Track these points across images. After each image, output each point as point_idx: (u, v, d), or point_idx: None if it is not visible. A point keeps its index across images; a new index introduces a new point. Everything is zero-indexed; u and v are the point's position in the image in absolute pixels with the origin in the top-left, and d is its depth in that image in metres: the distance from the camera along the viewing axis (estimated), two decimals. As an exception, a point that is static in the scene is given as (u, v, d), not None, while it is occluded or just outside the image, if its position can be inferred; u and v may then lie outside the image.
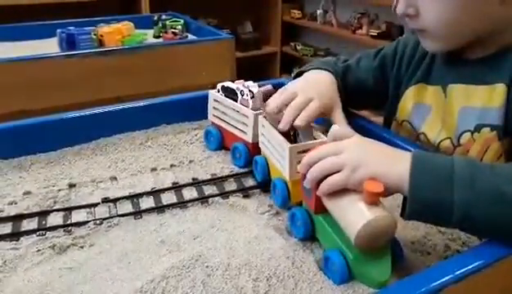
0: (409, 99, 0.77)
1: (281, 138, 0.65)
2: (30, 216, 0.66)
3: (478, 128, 0.66)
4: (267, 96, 0.74)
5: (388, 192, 0.51)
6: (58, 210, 0.67)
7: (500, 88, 0.64)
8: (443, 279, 0.44)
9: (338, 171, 0.52)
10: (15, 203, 0.69)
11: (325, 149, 0.55)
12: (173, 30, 1.81)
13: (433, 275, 0.45)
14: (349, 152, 0.53)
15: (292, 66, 3.58)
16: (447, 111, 0.70)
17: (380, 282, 0.51)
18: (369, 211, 0.50)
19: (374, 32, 2.79)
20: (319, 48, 3.39)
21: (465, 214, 0.47)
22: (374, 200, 0.51)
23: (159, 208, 0.67)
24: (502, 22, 0.64)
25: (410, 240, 0.60)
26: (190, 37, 1.83)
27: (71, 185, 0.73)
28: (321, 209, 0.57)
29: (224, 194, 0.71)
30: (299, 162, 0.58)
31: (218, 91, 0.83)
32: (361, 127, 0.76)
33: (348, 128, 0.66)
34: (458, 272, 0.45)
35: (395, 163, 0.51)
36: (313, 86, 0.72)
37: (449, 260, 0.52)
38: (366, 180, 0.51)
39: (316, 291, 0.52)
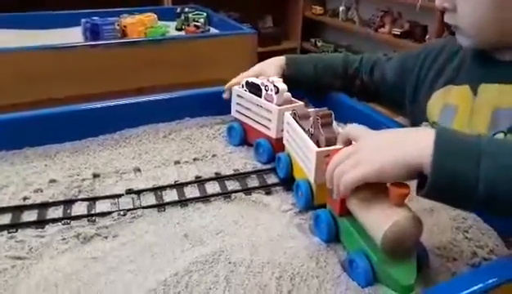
0: (437, 100, 0.76)
1: (309, 141, 0.65)
2: (55, 204, 0.67)
3: (511, 130, 0.65)
4: (323, 120, 0.65)
5: (408, 175, 0.48)
6: (83, 199, 0.67)
7: None
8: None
9: None
10: (41, 191, 0.69)
11: (342, 151, 0.54)
12: (196, 23, 1.81)
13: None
14: (364, 148, 0.52)
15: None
16: (477, 110, 0.70)
17: (405, 287, 0.50)
18: (395, 212, 0.50)
19: (397, 31, 2.76)
20: (340, 45, 3.36)
21: (490, 189, 0.45)
22: (400, 202, 0.50)
23: (183, 202, 0.68)
24: None
25: (436, 246, 0.58)
26: (213, 30, 1.83)
27: (95, 175, 0.73)
28: (345, 211, 0.56)
29: (247, 190, 0.71)
30: (326, 164, 0.57)
31: (242, 87, 0.83)
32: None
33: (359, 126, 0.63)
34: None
35: (417, 140, 0.49)
36: None
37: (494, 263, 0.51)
38: (385, 166, 0.49)
39: (340, 292, 0.52)
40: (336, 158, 0.54)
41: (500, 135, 0.67)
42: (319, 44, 3.42)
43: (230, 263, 0.55)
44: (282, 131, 0.75)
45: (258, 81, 0.79)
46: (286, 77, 0.88)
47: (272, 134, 0.77)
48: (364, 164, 0.50)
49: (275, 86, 0.76)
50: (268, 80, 0.78)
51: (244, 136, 0.84)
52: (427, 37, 2.62)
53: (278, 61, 0.94)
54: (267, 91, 0.78)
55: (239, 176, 0.74)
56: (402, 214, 0.49)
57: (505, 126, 0.66)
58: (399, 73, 0.88)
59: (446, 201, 0.50)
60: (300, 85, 0.90)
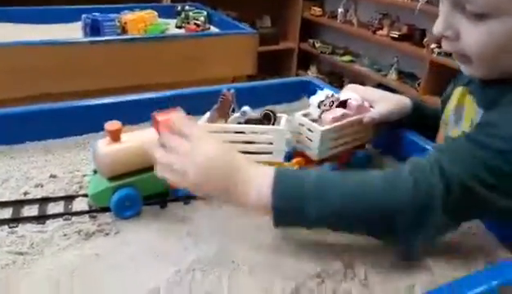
0: (453, 100, 0.75)
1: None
2: (56, 199, 0.66)
3: None
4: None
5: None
6: (84, 195, 0.67)
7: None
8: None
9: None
10: (42, 186, 0.69)
11: (178, 144, 0.57)
12: (196, 21, 1.81)
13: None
14: (194, 168, 0.55)
15: (309, 63, 3.57)
16: (467, 117, 0.69)
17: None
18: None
19: (395, 33, 2.76)
20: (337, 46, 3.37)
21: (319, 224, 0.55)
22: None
23: (185, 199, 0.67)
24: None
25: (437, 249, 0.59)
26: (213, 29, 1.83)
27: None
28: None
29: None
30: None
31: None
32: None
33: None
34: None
35: (247, 191, 0.55)
36: None
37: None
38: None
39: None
40: (169, 140, 0.58)
41: None
42: (317, 45, 3.43)
43: (233, 262, 0.55)
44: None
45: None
46: None
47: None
48: (184, 178, 0.55)
49: None
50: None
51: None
52: (425, 40, 2.62)
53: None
54: None
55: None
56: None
57: None
58: None
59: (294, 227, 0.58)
60: None
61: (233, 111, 0.70)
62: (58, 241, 0.58)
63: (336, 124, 0.71)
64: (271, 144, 0.68)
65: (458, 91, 0.74)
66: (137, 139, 0.63)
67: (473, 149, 0.54)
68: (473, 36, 0.58)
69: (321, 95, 0.73)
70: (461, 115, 0.70)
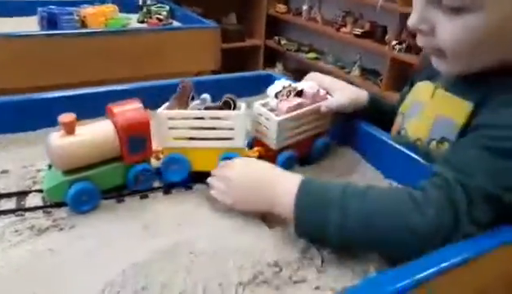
0: (413, 94, 0.76)
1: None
2: (8, 195, 0.64)
3: (442, 140, 0.65)
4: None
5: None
6: (37, 191, 0.65)
7: (469, 107, 0.62)
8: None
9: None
10: (-7, 182, 0.67)
11: (221, 171, 0.65)
12: (158, 16, 1.79)
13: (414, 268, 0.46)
14: (234, 184, 0.62)
15: (275, 60, 3.58)
16: (429, 113, 0.69)
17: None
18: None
19: (357, 31, 2.81)
20: (303, 43, 3.40)
21: (339, 235, 0.54)
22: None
23: (142, 192, 0.66)
24: None
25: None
26: (175, 24, 1.81)
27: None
28: None
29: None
30: None
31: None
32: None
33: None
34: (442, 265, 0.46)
35: (281, 194, 0.58)
36: None
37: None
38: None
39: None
40: (217, 172, 0.66)
41: (434, 143, 0.66)
42: (283, 42, 3.45)
43: (191, 253, 0.55)
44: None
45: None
46: None
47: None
48: (229, 199, 0.63)
49: None
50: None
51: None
52: (386, 37, 2.68)
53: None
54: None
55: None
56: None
57: (439, 135, 0.66)
58: None
59: (315, 242, 0.57)
60: None
61: (192, 99, 0.70)
62: (9, 237, 0.56)
63: (293, 113, 0.72)
64: (232, 129, 0.68)
65: (420, 85, 0.75)
66: (93, 131, 0.62)
67: (486, 156, 0.54)
68: (448, 30, 0.57)
69: (277, 85, 0.74)
70: (421, 108, 0.71)
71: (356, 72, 2.91)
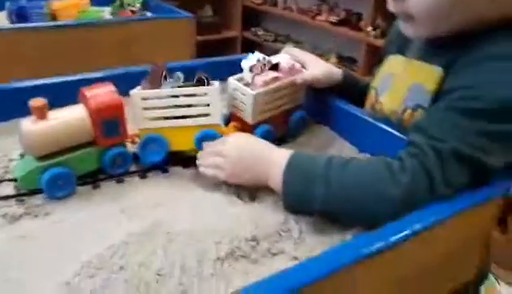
0: (384, 67, 0.77)
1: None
2: None
3: (416, 108, 0.66)
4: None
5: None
6: (10, 180, 0.64)
7: (438, 71, 0.63)
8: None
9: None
10: (-37, 173, 0.65)
11: (215, 146, 0.66)
12: (132, 8, 1.76)
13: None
14: (229, 158, 0.63)
15: (253, 51, 3.57)
16: (401, 84, 0.70)
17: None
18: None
19: (333, 18, 2.83)
20: (279, 34, 3.40)
21: (324, 207, 0.56)
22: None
23: (118, 177, 0.66)
24: (490, 19, 0.59)
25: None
26: (149, 15, 1.79)
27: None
28: None
29: (186, 165, 0.70)
30: None
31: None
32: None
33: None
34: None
35: (270, 166, 0.61)
36: None
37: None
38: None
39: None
40: (209, 148, 0.66)
41: (409, 112, 0.67)
42: (260, 33, 3.45)
43: (168, 233, 0.54)
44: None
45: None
46: None
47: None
48: (223, 172, 0.63)
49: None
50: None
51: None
52: (361, 23, 2.70)
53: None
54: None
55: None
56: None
57: (413, 103, 0.66)
58: None
59: (301, 211, 0.59)
60: None
61: (165, 79, 0.69)
62: (-18, 226, 0.55)
63: (268, 87, 0.72)
64: (208, 105, 0.68)
65: (390, 58, 0.76)
66: (65, 115, 0.61)
67: (456, 118, 0.55)
68: None
69: (252, 59, 0.73)
70: (394, 80, 0.72)
71: (333, 59, 2.92)
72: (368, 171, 0.56)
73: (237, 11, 3.46)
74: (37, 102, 0.58)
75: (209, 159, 0.65)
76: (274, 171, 0.60)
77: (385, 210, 0.53)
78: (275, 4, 3.31)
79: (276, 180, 0.60)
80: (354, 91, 0.83)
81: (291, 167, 0.59)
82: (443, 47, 0.64)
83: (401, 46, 0.73)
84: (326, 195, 0.56)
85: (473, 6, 0.59)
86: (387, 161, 0.56)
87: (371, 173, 0.56)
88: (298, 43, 3.25)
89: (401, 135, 0.66)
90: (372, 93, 0.77)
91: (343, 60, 2.91)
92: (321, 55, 3.04)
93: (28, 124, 0.58)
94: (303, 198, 0.58)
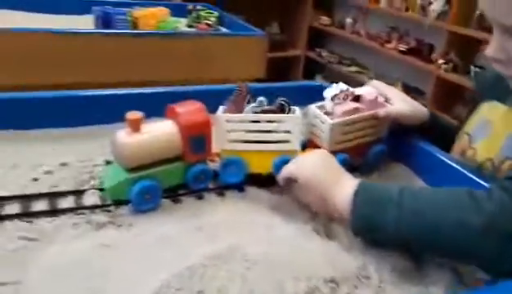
0: (480, 113, 0.74)
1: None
2: (66, 194, 0.63)
3: None
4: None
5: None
6: (96, 188, 0.65)
7: None
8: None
9: None
10: (51, 173, 0.68)
11: (289, 170, 0.65)
12: (207, 21, 1.80)
13: None
14: (299, 184, 0.63)
15: (315, 71, 3.57)
16: (500, 132, 0.68)
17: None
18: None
19: (403, 47, 2.77)
20: (344, 57, 3.38)
21: (398, 232, 0.54)
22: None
23: (198, 193, 0.67)
24: None
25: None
26: (224, 30, 1.82)
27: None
28: None
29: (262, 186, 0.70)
30: None
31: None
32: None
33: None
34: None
35: (340, 193, 0.59)
36: None
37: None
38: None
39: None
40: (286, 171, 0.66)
41: (508, 163, 0.64)
42: (324, 54, 3.44)
43: (246, 260, 0.54)
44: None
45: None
46: None
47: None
48: (299, 172, 0.63)
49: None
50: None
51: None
52: (433, 55, 2.63)
53: None
54: None
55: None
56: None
57: None
58: None
59: (372, 239, 0.58)
60: None
61: (248, 102, 0.70)
62: (67, 230, 0.57)
63: (347, 118, 0.71)
64: (288, 132, 0.68)
65: (487, 105, 0.73)
66: (157, 130, 0.62)
67: None
68: None
69: (335, 88, 0.73)
70: (491, 127, 0.69)
71: (399, 88, 2.85)
72: (447, 198, 0.54)
73: (304, 31, 3.48)
74: (133, 115, 0.60)
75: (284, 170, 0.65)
76: (343, 192, 0.58)
77: (463, 238, 0.50)
78: (342, 27, 3.30)
79: (344, 202, 0.58)
80: (436, 131, 0.80)
81: (362, 190, 0.57)
82: None
83: (501, 93, 0.70)
84: (399, 219, 0.53)
85: None
86: (471, 190, 0.53)
87: (451, 199, 0.53)
88: (363, 68, 3.21)
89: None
90: (465, 139, 0.73)
91: (409, 91, 2.84)
92: (386, 83, 2.99)
93: (123, 136, 0.60)
94: (372, 222, 0.55)
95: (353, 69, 3.21)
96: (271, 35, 3.35)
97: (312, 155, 0.66)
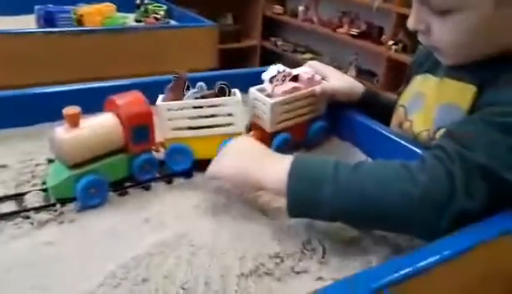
0: (413, 86, 0.77)
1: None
2: (8, 197, 0.62)
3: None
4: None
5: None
6: (38, 190, 0.63)
7: (472, 89, 0.63)
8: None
9: None
10: (-9, 176, 0.66)
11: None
12: (156, 15, 1.78)
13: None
14: (226, 156, 0.62)
15: (271, 61, 3.58)
16: (433, 103, 0.70)
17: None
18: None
19: (354, 31, 2.82)
20: (299, 44, 3.41)
21: (332, 211, 0.53)
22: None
23: (145, 184, 0.67)
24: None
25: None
26: (173, 23, 1.81)
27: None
28: None
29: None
30: None
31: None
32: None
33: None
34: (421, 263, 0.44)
35: (274, 173, 0.57)
36: None
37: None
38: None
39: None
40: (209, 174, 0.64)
41: (441, 132, 0.65)
42: (279, 43, 3.45)
43: (192, 246, 0.55)
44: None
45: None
46: None
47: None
48: (217, 167, 0.62)
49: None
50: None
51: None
52: (383, 37, 2.69)
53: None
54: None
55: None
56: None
57: (446, 122, 0.65)
58: None
59: (307, 217, 0.58)
60: None
61: (188, 89, 0.70)
62: (8, 230, 0.56)
63: (286, 96, 0.73)
64: (231, 115, 0.69)
65: (419, 78, 0.76)
66: (97, 123, 0.62)
67: (490, 131, 0.53)
68: (441, 31, 0.60)
69: (272, 70, 0.74)
70: (424, 99, 0.72)
71: (352, 72, 2.91)
72: (383, 170, 0.54)
73: (257, 21, 3.48)
74: (70, 110, 0.59)
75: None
76: (274, 176, 0.56)
77: (398, 206, 0.51)
78: (295, 15, 3.32)
79: (276, 180, 0.56)
80: (375, 107, 0.83)
81: (294, 170, 0.55)
82: (477, 68, 0.63)
83: (431, 66, 0.73)
84: (335, 193, 0.52)
85: (497, 36, 0.59)
86: (404, 162, 0.54)
87: (386, 170, 0.54)
88: (317, 55, 3.25)
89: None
90: (401, 111, 0.76)
91: (362, 73, 2.90)
92: (340, 68, 3.04)
93: (61, 132, 0.59)
94: (309, 199, 0.54)
95: (308, 55, 3.24)
96: (224, 26, 3.34)
97: (230, 149, 0.64)
